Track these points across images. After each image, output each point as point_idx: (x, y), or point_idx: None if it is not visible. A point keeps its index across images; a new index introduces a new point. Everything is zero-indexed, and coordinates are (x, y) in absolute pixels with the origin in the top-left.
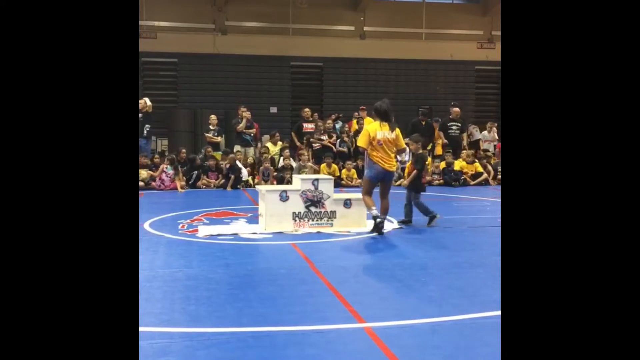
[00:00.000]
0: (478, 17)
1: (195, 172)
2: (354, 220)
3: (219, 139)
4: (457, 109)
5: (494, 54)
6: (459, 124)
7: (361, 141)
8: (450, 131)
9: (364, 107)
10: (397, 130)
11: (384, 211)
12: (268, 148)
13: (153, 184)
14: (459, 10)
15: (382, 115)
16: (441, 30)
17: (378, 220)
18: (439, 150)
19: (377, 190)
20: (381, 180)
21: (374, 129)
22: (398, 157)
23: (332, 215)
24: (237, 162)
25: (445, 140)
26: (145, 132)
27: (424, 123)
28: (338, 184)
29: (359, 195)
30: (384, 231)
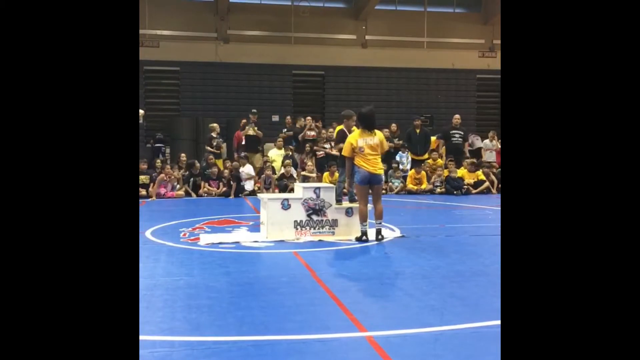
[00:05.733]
0: (479, 26)
1: (192, 178)
2: (355, 229)
3: (220, 150)
4: (457, 116)
5: (496, 62)
6: (462, 132)
7: (345, 151)
8: (453, 139)
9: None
10: (380, 134)
11: (379, 216)
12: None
13: (157, 191)
14: (460, 19)
15: (362, 121)
16: (442, 39)
17: (364, 238)
18: (439, 162)
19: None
20: (369, 184)
21: (354, 138)
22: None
23: (333, 223)
24: (241, 168)
25: (440, 152)
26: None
27: (418, 131)
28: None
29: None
30: (384, 238)
